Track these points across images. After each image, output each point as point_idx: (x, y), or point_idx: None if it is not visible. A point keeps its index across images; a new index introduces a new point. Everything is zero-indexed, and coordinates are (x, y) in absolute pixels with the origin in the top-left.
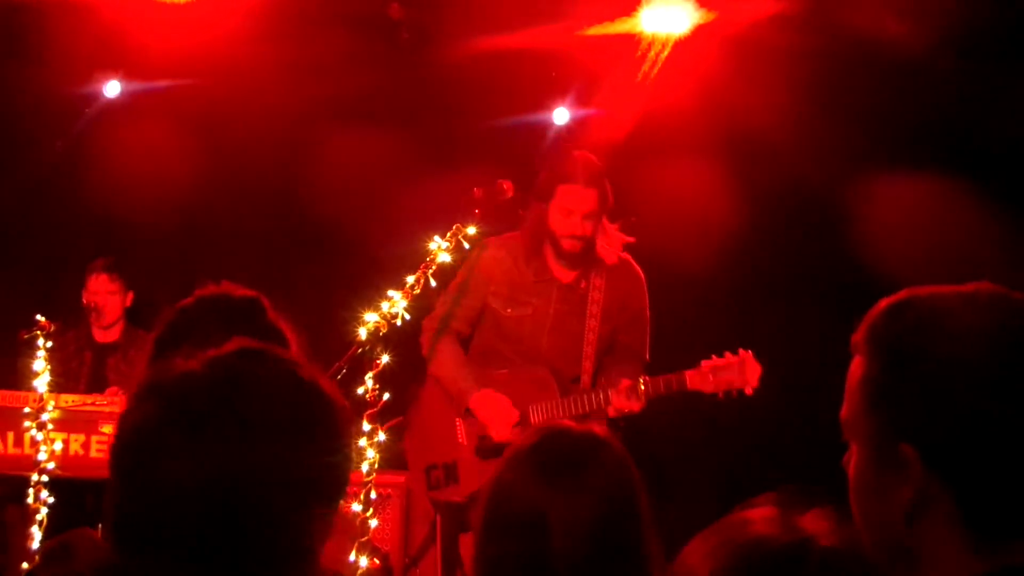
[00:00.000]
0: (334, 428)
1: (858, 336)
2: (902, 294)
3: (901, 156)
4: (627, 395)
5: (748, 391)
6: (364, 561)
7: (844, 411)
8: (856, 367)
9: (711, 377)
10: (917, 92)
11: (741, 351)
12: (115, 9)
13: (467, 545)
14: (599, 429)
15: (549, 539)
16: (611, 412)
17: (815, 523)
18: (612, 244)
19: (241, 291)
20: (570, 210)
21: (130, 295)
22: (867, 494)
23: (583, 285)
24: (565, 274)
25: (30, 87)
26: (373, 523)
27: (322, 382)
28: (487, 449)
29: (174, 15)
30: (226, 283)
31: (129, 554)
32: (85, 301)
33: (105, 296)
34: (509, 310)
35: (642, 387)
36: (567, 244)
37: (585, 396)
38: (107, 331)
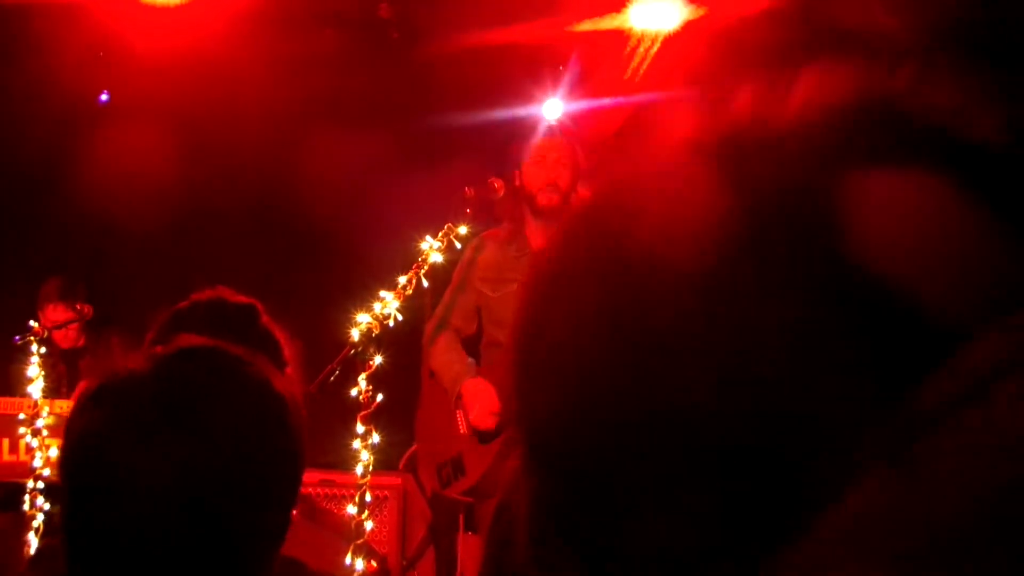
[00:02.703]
0: (285, 426)
1: None
2: None
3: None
4: None
5: None
6: (360, 564)
7: None
8: None
9: None
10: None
11: None
12: (105, 12)
13: (465, 545)
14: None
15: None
16: None
17: None
18: None
19: (236, 296)
20: (543, 157)
21: (88, 308)
22: None
23: None
24: (539, 241)
25: (21, 90)
26: (368, 525)
27: (273, 379)
28: (488, 434)
29: (164, 18)
30: (221, 287)
31: (84, 565)
32: (43, 326)
33: (63, 324)
34: (492, 291)
35: None
36: (543, 199)
37: None
38: (73, 342)
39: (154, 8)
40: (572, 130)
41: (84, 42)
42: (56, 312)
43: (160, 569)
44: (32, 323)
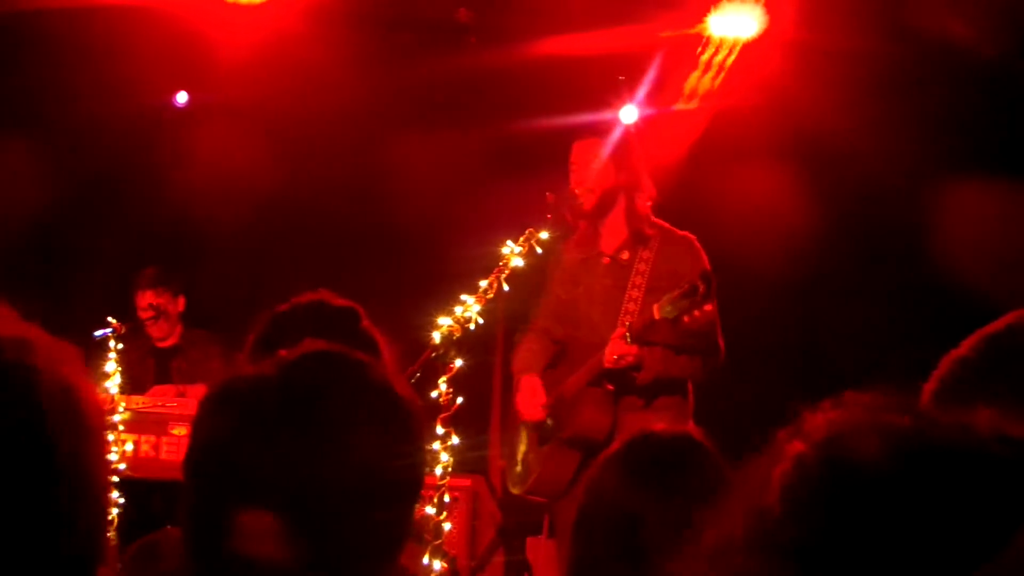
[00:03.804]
0: (407, 429)
1: None
2: None
3: (972, 161)
4: (618, 341)
5: (707, 308)
6: (438, 564)
7: None
8: None
9: (678, 303)
10: (988, 96)
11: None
12: (187, 11)
13: (534, 548)
14: (695, 431)
15: (639, 537)
16: (606, 362)
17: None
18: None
19: (338, 299)
20: (572, 162)
21: (181, 299)
22: None
23: (625, 256)
24: (610, 245)
25: (103, 94)
26: (447, 526)
27: (395, 383)
28: (544, 435)
29: (244, 17)
30: (323, 291)
31: (206, 561)
32: (135, 307)
33: (155, 310)
34: (565, 294)
35: (627, 331)
36: (583, 201)
37: (594, 358)
38: (163, 340)
39: (236, 6)
40: (609, 125)
41: (166, 42)
42: (144, 299)
43: (283, 571)
44: (110, 319)
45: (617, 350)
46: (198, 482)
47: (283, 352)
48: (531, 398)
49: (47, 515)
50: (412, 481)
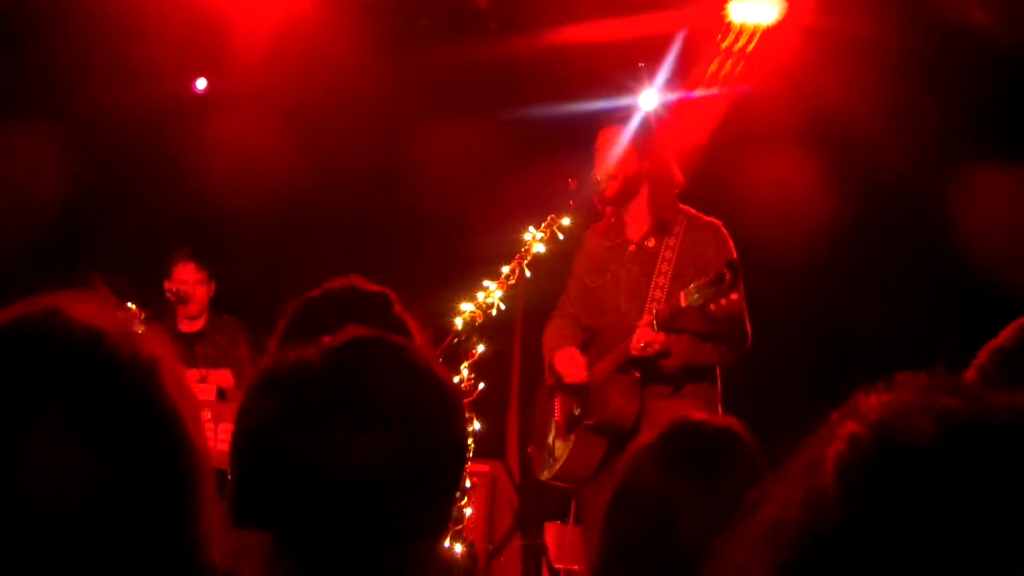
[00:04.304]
0: (451, 413)
1: None
2: None
3: (993, 147)
4: (645, 328)
5: (734, 296)
6: (459, 548)
7: None
8: None
9: (705, 291)
10: (1009, 82)
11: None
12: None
13: (552, 533)
14: (736, 425)
15: (675, 528)
16: (633, 350)
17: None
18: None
19: (369, 285)
20: (596, 149)
21: (213, 284)
22: None
23: (651, 244)
24: (635, 232)
25: (123, 80)
26: (468, 511)
27: (436, 368)
28: (571, 421)
29: (264, 3)
30: (354, 276)
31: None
32: (170, 289)
33: (192, 285)
34: (591, 281)
35: (654, 318)
36: (605, 188)
37: (621, 346)
38: (192, 321)
39: None
40: (630, 112)
41: (186, 28)
42: (186, 271)
43: (329, 554)
44: (130, 304)
45: (644, 338)
46: (244, 465)
47: (326, 338)
48: (571, 362)
49: (177, 505)
50: (457, 462)
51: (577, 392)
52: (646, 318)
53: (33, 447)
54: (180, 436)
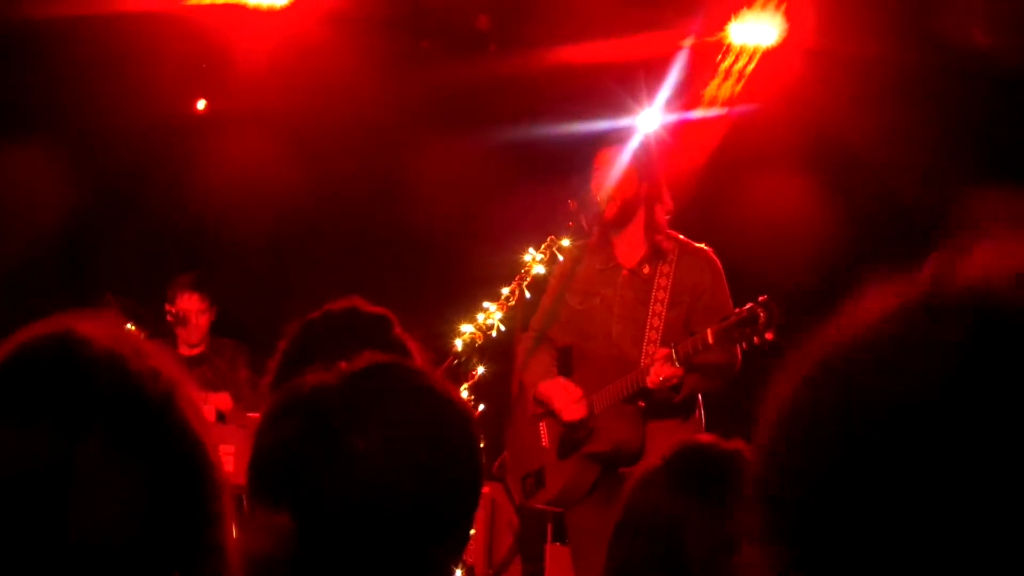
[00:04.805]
0: (468, 437)
1: None
2: None
3: (993, 168)
4: (663, 363)
5: (769, 336)
6: (458, 572)
7: None
8: None
9: (734, 331)
10: (1009, 103)
11: (761, 299)
12: (208, 17)
13: (553, 555)
14: (745, 448)
15: (684, 551)
16: (651, 383)
17: None
18: (661, 225)
19: (370, 306)
20: (595, 168)
21: (215, 309)
22: None
23: (646, 271)
24: (628, 257)
25: (125, 100)
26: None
27: (453, 392)
28: (566, 447)
29: (265, 23)
30: (355, 297)
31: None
32: (171, 312)
33: (195, 315)
34: (579, 304)
35: (674, 352)
36: (605, 210)
37: (631, 376)
38: (192, 347)
39: (257, 12)
40: (629, 132)
41: (187, 48)
42: (189, 301)
43: (348, 571)
44: (129, 327)
45: (663, 372)
46: (261, 489)
47: (343, 364)
48: (567, 396)
49: (203, 539)
50: (475, 485)
51: (570, 422)
52: (662, 351)
53: (73, 476)
54: (203, 455)
